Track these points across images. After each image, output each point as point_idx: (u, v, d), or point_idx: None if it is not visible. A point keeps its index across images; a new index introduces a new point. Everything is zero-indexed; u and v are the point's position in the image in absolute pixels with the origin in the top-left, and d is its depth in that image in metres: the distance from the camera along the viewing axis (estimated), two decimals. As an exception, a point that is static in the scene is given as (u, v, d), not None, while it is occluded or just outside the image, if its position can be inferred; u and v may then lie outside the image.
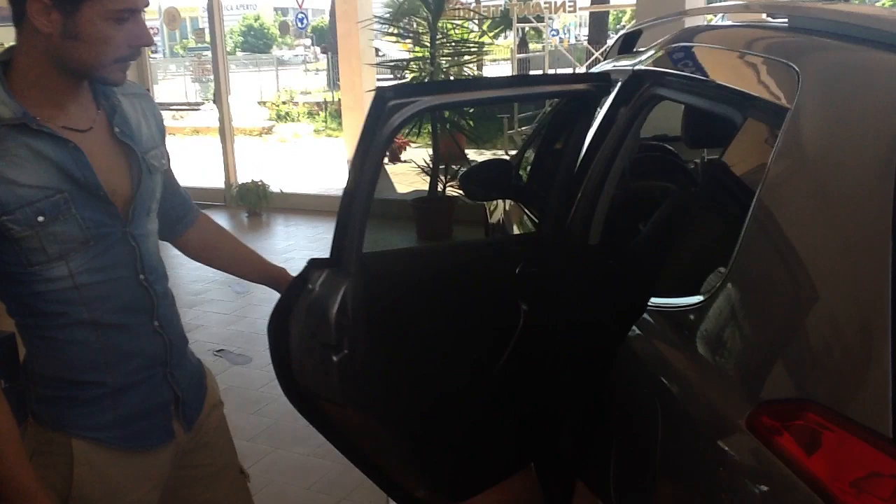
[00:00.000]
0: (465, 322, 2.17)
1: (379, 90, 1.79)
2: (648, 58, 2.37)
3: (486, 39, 11.54)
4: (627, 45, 3.18)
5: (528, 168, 3.36)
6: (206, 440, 1.73)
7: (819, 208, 1.29)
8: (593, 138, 2.37)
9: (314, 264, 1.74)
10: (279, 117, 17.20)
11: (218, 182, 8.85)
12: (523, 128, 11.91)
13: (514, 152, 10.87)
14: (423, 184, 7.27)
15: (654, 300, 1.71)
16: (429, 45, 6.98)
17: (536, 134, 3.51)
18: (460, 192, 6.82)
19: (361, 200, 1.76)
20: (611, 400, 1.91)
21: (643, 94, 2.23)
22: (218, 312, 5.33)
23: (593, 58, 13.23)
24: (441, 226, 6.83)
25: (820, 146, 1.37)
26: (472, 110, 7.13)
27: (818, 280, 1.23)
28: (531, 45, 16.53)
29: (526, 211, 3.09)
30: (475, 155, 7.64)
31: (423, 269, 2.20)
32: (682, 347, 1.55)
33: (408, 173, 8.92)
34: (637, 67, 2.37)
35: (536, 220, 2.98)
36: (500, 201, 3.67)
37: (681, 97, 2.09)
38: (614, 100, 2.38)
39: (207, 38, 9.69)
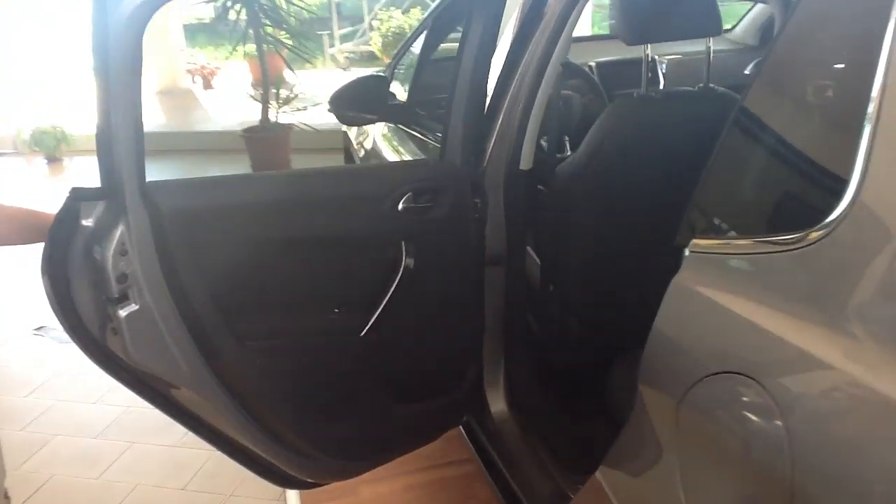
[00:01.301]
0: (321, 267, 1.77)
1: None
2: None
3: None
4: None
5: (408, 85, 2.88)
6: None
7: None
8: (517, 33, 1.96)
9: (79, 195, 1.44)
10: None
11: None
12: (345, 45, 11.24)
13: (339, 71, 10.26)
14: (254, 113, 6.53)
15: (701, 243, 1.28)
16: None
17: (410, 44, 3.02)
18: (298, 120, 6.28)
19: (124, 108, 1.41)
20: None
21: None
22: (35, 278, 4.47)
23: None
24: (278, 156, 6.21)
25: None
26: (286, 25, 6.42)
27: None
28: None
29: (415, 133, 2.65)
30: (292, 78, 6.99)
31: (259, 205, 1.71)
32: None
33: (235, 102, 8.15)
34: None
35: (429, 143, 2.56)
36: (372, 126, 3.19)
37: None
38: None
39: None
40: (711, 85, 2.07)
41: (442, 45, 2.79)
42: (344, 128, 3.78)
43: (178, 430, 2.69)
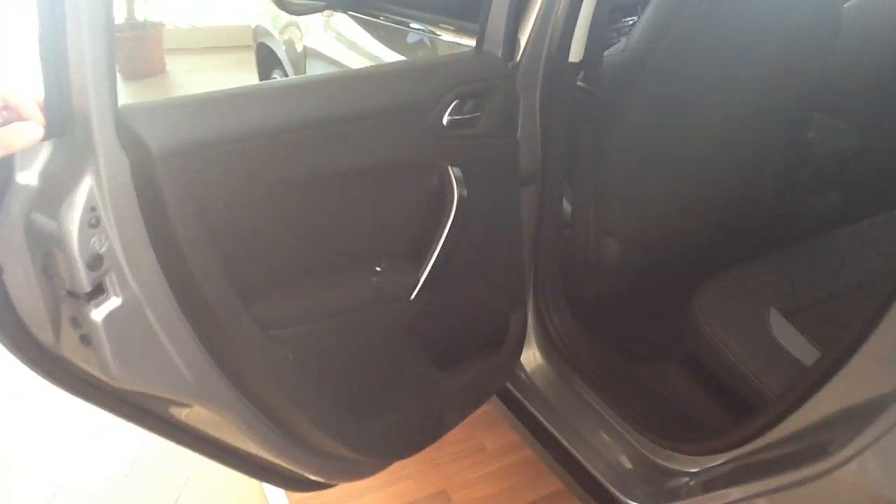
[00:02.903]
0: (355, 212, 1.29)
1: None
2: None
3: None
4: None
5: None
6: None
7: None
8: None
9: None
10: None
11: None
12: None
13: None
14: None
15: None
16: None
17: None
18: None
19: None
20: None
21: None
22: None
23: None
24: (151, 57, 5.36)
25: None
26: None
27: None
28: None
29: (384, 23, 2.12)
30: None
31: (283, 130, 1.16)
32: None
33: None
34: None
35: (409, 34, 2.05)
36: (306, 18, 2.59)
37: None
38: None
39: None
40: None
41: None
42: (257, 22, 3.14)
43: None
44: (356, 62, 2.31)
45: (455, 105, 1.34)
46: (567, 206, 1.85)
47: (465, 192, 1.36)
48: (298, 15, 2.49)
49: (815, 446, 1.09)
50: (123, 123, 0.95)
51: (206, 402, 1.14)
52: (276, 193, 1.14)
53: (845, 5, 1.97)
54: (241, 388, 1.16)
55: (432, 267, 1.34)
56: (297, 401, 1.20)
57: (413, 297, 1.34)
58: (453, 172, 1.36)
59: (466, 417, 1.62)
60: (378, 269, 1.31)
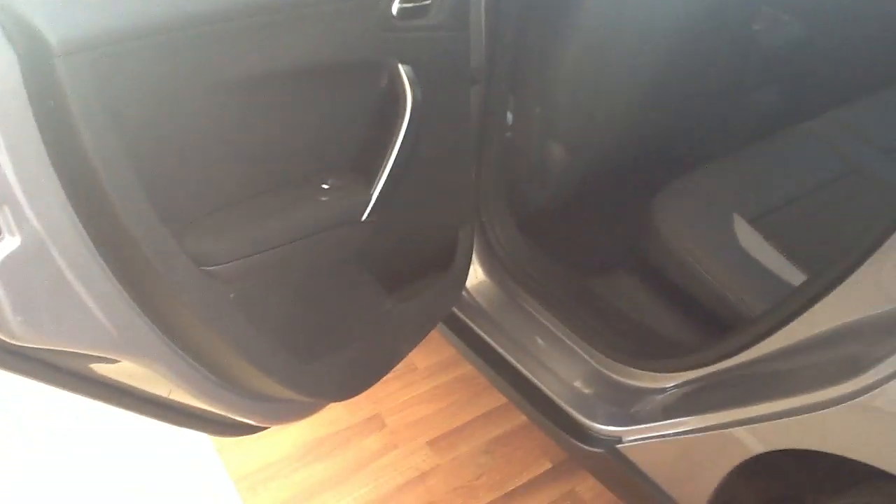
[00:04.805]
0: (297, 119, 1.08)
1: None
2: None
3: None
4: None
5: None
6: None
7: None
8: None
9: None
10: None
11: None
12: None
13: None
14: None
15: None
16: None
17: None
18: None
19: None
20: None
21: None
22: None
23: None
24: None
25: None
26: None
27: None
28: None
29: None
30: None
31: (207, 19, 0.90)
32: None
33: None
34: None
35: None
36: None
37: None
38: None
39: None
40: None
41: None
42: None
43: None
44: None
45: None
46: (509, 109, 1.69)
47: (418, 95, 1.17)
48: None
49: (829, 363, 1.01)
50: (8, 9, 0.71)
51: (133, 355, 0.94)
52: (203, 98, 0.92)
53: None
54: (174, 337, 0.96)
55: (385, 181, 1.16)
56: (242, 346, 1.02)
57: (364, 217, 1.16)
58: (405, 71, 1.16)
59: (419, 343, 1.48)
60: (325, 186, 1.11)
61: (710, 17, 1.74)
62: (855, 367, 0.96)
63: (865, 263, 0.97)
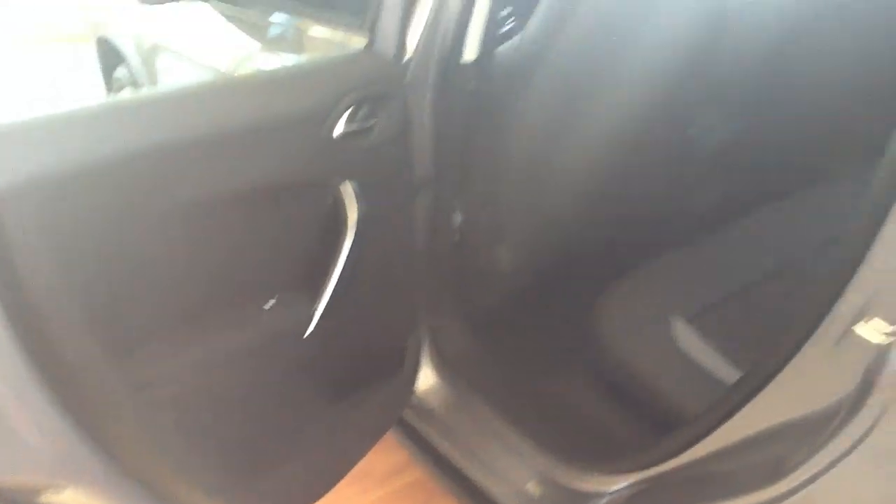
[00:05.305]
0: (238, 239, 1.12)
1: None
2: None
3: None
4: None
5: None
6: None
7: None
8: None
9: None
10: None
11: None
12: None
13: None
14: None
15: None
16: None
17: None
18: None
19: None
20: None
21: None
22: None
23: None
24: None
25: None
26: None
27: None
28: None
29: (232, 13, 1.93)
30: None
31: (143, 154, 0.96)
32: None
33: None
34: None
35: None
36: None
37: None
38: None
39: None
40: None
41: None
42: (95, 14, 2.82)
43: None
44: (217, 59, 2.09)
45: (349, 113, 1.20)
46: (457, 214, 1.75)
47: (362, 211, 1.22)
48: (152, 4, 2.22)
49: (761, 465, 1.04)
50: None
51: (71, 482, 0.94)
52: (146, 228, 0.96)
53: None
54: (115, 464, 0.97)
55: (330, 297, 1.20)
56: (186, 471, 1.03)
57: (307, 334, 1.19)
58: (348, 188, 1.22)
59: (372, 448, 1.48)
60: (266, 307, 1.14)
61: (648, 125, 1.83)
62: (779, 470, 0.99)
63: (789, 365, 1.00)
